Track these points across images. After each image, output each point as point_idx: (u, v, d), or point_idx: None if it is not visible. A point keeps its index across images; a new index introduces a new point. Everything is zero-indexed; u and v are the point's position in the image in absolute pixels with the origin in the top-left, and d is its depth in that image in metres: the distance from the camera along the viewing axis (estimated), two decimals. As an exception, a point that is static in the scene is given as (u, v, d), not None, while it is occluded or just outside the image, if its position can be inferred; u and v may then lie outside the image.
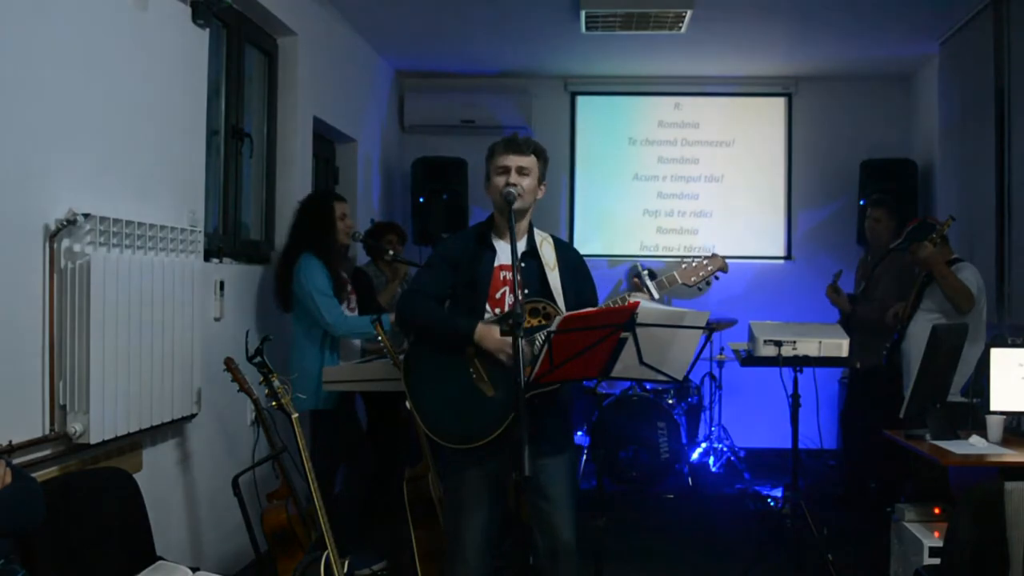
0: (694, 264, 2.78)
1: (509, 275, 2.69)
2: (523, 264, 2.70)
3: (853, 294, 5.10)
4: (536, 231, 2.81)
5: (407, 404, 2.72)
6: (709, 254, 2.80)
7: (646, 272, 2.72)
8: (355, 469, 3.95)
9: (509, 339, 2.44)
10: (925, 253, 4.10)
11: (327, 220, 3.92)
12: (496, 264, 2.73)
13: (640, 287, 2.69)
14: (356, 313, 4.03)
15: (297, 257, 3.84)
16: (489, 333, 2.57)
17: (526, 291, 2.68)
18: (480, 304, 2.70)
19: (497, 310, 2.69)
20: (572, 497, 2.74)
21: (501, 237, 2.76)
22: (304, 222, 3.94)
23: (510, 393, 2.55)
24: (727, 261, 2.86)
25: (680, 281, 2.75)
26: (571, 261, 2.83)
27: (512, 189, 2.65)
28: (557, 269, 2.76)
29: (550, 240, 2.83)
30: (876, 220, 5.02)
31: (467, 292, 2.72)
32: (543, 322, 2.63)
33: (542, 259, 2.75)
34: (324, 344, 3.88)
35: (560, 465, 2.71)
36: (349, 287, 4.03)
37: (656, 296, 2.69)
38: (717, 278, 2.80)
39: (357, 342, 4.06)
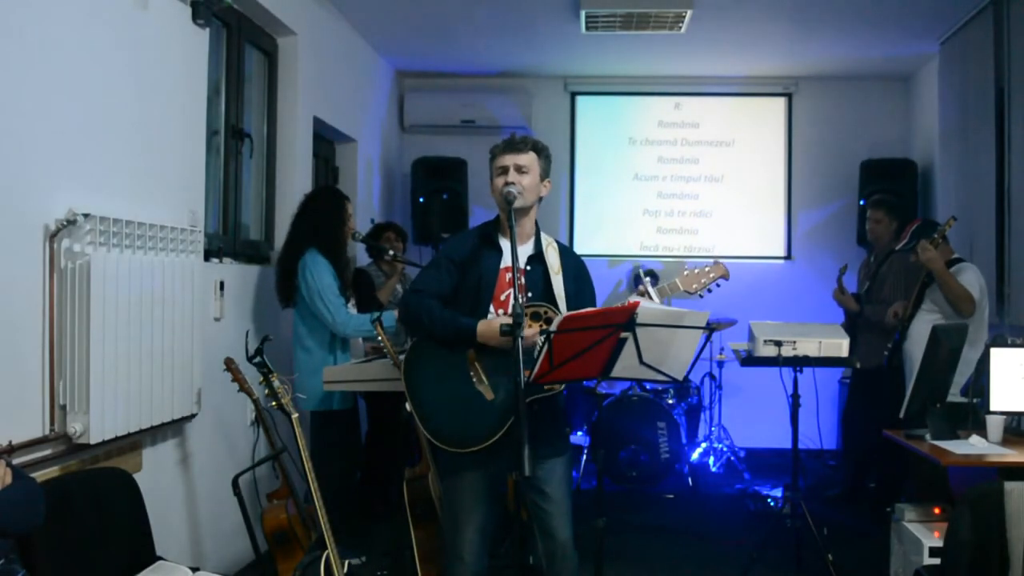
0: (696, 271, 2.78)
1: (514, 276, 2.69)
2: (528, 268, 2.72)
3: (857, 293, 5.11)
4: (543, 235, 2.81)
5: (407, 407, 2.71)
6: (712, 261, 2.80)
7: (647, 278, 2.73)
8: (340, 470, 3.89)
9: (496, 324, 2.50)
10: (928, 256, 4.10)
11: (339, 218, 3.85)
12: (502, 266, 2.73)
13: (643, 294, 2.69)
14: (355, 312, 4.01)
15: (302, 252, 3.76)
16: (491, 329, 2.56)
17: (529, 294, 2.68)
18: (484, 305, 2.70)
19: (501, 311, 2.69)
20: (569, 498, 2.75)
21: (507, 238, 2.76)
22: (315, 216, 3.83)
23: (509, 397, 2.56)
24: (728, 268, 2.85)
25: (682, 288, 2.76)
26: (574, 267, 2.84)
27: (511, 188, 2.64)
28: (561, 274, 2.76)
29: (555, 245, 2.83)
30: (877, 221, 5.03)
31: (471, 293, 2.71)
32: (543, 326, 2.63)
33: (547, 264, 2.75)
34: (334, 343, 3.83)
35: (557, 467, 2.72)
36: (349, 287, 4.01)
37: (657, 302, 2.70)
38: (719, 285, 2.80)
39: (360, 340, 4.05)
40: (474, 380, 2.62)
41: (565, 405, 2.86)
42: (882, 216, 5.01)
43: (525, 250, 2.73)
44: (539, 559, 2.72)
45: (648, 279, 2.71)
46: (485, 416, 2.57)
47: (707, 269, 2.77)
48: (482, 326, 2.59)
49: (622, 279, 6.82)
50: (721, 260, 2.82)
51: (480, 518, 2.68)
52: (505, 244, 2.75)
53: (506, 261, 2.73)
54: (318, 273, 3.71)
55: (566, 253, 2.84)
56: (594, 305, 2.84)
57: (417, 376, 2.71)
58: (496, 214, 2.82)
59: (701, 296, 2.79)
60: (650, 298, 2.68)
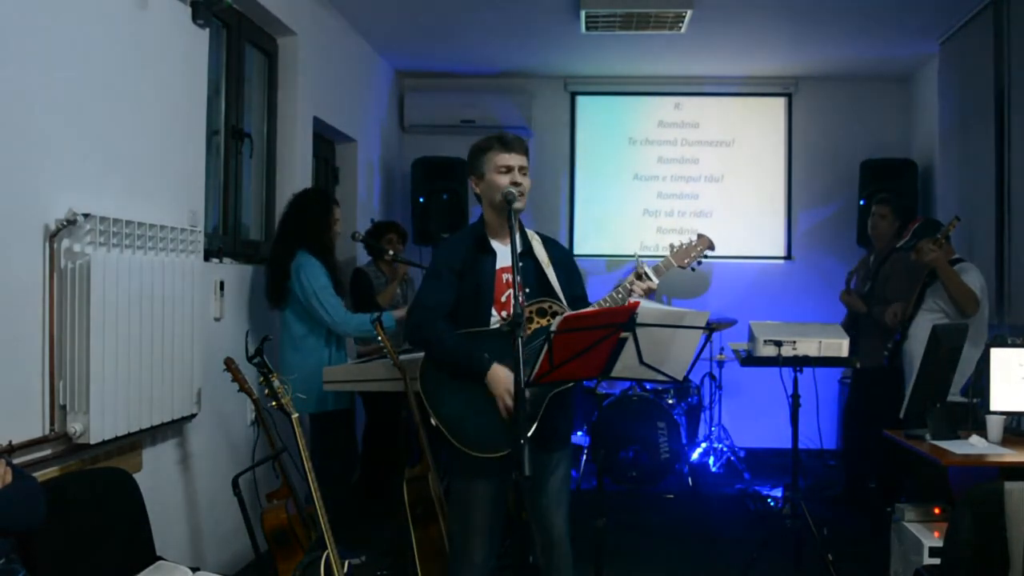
0: (684, 247, 2.81)
1: (511, 277, 2.69)
2: (520, 264, 2.70)
3: (858, 292, 5.11)
4: (526, 230, 2.81)
5: (432, 422, 2.65)
6: (695, 235, 2.82)
7: (643, 261, 2.76)
8: (335, 471, 3.87)
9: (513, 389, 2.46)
10: (931, 256, 4.09)
11: (325, 219, 3.88)
12: (498, 267, 2.72)
13: (642, 275, 2.69)
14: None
15: (293, 254, 3.77)
16: (497, 378, 2.54)
17: (527, 291, 2.67)
18: (485, 309, 2.69)
19: (504, 313, 2.68)
20: (566, 493, 2.77)
21: (497, 238, 2.76)
22: (301, 218, 3.86)
23: (531, 399, 2.56)
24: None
25: (675, 264, 2.79)
26: (560, 256, 2.86)
27: (515, 189, 2.65)
28: (551, 265, 2.77)
29: (537, 237, 2.83)
30: (881, 216, 5.02)
31: (471, 298, 2.70)
32: (551, 321, 2.63)
33: (537, 257, 2.76)
34: (330, 342, 3.84)
35: (561, 461, 2.74)
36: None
37: (656, 281, 2.69)
38: (706, 256, 2.82)
39: (351, 341, 4.04)
40: None
41: (574, 401, 2.87)
42: (887, 212, 5.00)
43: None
44: (537, 556, 2.73)
45: (645, 263, 2.72)
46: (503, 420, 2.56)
47: (694, 243, 2.81)
48: (493, 374, 2.55)
49: (622, 279, 6.82)
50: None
51: (492, 521, 2.70)
52: (496, 245, 2.75)
53: (500, 262, 2.72)
54: (313, 274, 3.73)
55: (549, 243, 2.86)
56: (584, 289, 2.87)
57: (436, 388, 2.67)
58: (480, 214, 2.82)
59: (693, 269, 2.82)
60: (648, 278, 2.68)
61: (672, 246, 2.82)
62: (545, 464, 2.67)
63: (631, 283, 2.69)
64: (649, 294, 2.70)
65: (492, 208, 2.73)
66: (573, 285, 2.82)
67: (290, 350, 3.85)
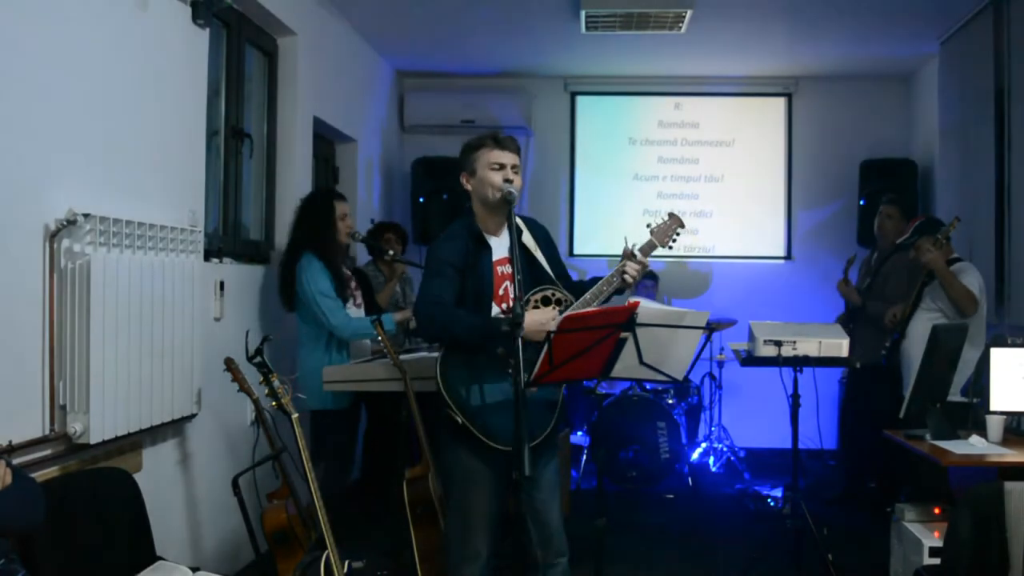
0: (661, 226, 2.84)
1: (506, 269, 2.72)
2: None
3: (858, 288, 5.11)
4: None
5: (458, 419, 2.62)
6: (667, 215, 2.88)
7: (635, 246, 2.78)
8: (329, 469, 3.88)
9: (547, 315, 2.54)
10: (929, 256, 4.09)
11: (327, 219, 3.90)
12: (493, 260, 2.74)
13: (631, 256, 2.72)
14: (363, 310, 4.04)
15: (298, 257, 3.83)
16: (532, 319, 2.54)
17: (519, 279, 2.65)
18: (486, 303, 2.70)
19: (504, 305, 2.69)
20: (559, 485, 2.82)
21: (489, 232, 2.78)
22: (305, 221, 3.92)
23: (550, 390, 2.60)
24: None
25: (658, 244, 2.81)
26: (542, 235, 2.89)
27: (511, 188, 2.67)
28: (539, 249, 2.80)
29: (521, 222, 2.84)
30: (888, 216, 5.03)
31: (472, 294, 2.71)
32: (556, 308, 2.66)
33: (527, 246, 2.78)
34: (330, 344, 3.87)
35: (554, 455, 2.78)
36: (353, 283, 4.02)
37: (646, 260, 2.73)
38: (679, 234, 2.86)
39: (367, 341, 4.06)
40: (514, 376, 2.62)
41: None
42: (894, 212, 5.02)
43: (505, 239, 2.72)
44: (533, 549, 2.74)
45: (635, 245, 2.76)
46: (531, 411, 2.52)
47: (667, 222, 2.84)
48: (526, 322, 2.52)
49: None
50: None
51: (492, 518, 2.71)
52: (490, 239, 2.77)
53: (495, 255, 2.75)
54: (313, 277, 3.77)
55: (531, 225, 2.88)
56: (562, 263, 2.91)
57: (456, 380, 2.65)
58: (468, 205, 2.84)
59: (670, 248, 2.86)
60: (633, 256, 2.71)
61: (649, 226, 2.84)
62: (545, 456, 2.69)
63: (624, 265, 2.70)
64: (641, 276, 2.73)
65: (484, 204, 2.75)
66: (556, 264, 2.86)
67: (299, 348, 3.94)
